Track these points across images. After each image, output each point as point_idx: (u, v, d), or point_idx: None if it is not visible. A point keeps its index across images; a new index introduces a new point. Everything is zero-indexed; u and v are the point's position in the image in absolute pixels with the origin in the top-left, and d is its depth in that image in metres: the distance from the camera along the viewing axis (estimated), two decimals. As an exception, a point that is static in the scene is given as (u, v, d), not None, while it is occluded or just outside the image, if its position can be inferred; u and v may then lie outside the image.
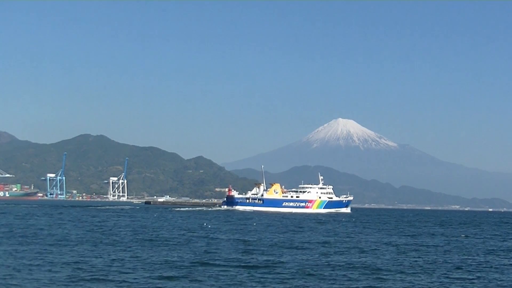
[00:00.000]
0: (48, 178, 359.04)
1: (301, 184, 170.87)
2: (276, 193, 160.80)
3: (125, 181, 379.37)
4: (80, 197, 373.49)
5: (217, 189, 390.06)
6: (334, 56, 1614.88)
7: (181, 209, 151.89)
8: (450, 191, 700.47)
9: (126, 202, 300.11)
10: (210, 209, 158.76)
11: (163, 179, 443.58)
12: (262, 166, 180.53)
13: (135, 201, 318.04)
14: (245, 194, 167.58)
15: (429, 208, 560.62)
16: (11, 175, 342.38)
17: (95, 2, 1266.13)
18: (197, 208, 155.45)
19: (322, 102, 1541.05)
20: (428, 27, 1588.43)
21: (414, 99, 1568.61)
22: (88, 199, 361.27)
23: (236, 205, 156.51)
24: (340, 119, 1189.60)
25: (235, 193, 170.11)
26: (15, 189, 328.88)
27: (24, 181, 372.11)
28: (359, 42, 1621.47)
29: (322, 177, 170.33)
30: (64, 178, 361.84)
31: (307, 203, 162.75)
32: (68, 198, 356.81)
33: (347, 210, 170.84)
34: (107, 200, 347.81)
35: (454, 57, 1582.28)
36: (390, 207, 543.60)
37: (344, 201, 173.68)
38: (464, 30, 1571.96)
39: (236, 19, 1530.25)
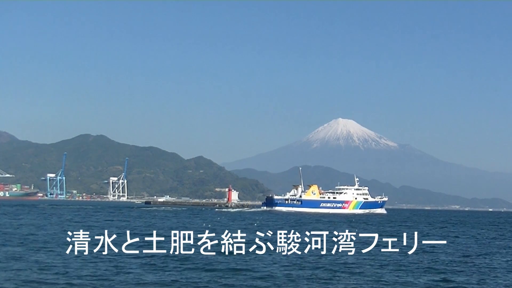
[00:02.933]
0: (48, 178, 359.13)
1: (337, 186, 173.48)
2: (314, 194, 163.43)
3: (125, 181, 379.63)
4: (80, 197, 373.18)
5: (217, 189, 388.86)
6: (333, 56, 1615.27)
7: (230, 210, 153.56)
8: (450, 191, 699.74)
9: (126, 202, 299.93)
10: (252, 210, 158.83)
11: (163, 179, 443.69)
12: (300, 168, 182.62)
13: (136, 201, 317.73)
14: (283, 195, 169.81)
15: (429, 208, 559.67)
16: (11, 175, 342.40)
17: (95, 2, 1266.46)
18: (237, 210, 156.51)
19: (322, 102, 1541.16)
20: (429, 27, 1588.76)
21: (414, 99, 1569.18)
22: (88, 199, 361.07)
23: (276, 206, 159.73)
24: (340, 119, 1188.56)
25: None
26: (15, 189, 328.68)
27: (24, 181, 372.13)
28: (359, 42, 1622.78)
29: (357, 179, 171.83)
30: (64, 178, 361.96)
31: (343, 204, 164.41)
32: (68, 198, 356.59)
33: (382, 210, 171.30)
34: (107, 200, 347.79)
35: (454, 57, 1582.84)
36: (390, 207, 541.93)
37: (379, 202, 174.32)
38: (464, 30, 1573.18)
39: (236, 19, 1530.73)
